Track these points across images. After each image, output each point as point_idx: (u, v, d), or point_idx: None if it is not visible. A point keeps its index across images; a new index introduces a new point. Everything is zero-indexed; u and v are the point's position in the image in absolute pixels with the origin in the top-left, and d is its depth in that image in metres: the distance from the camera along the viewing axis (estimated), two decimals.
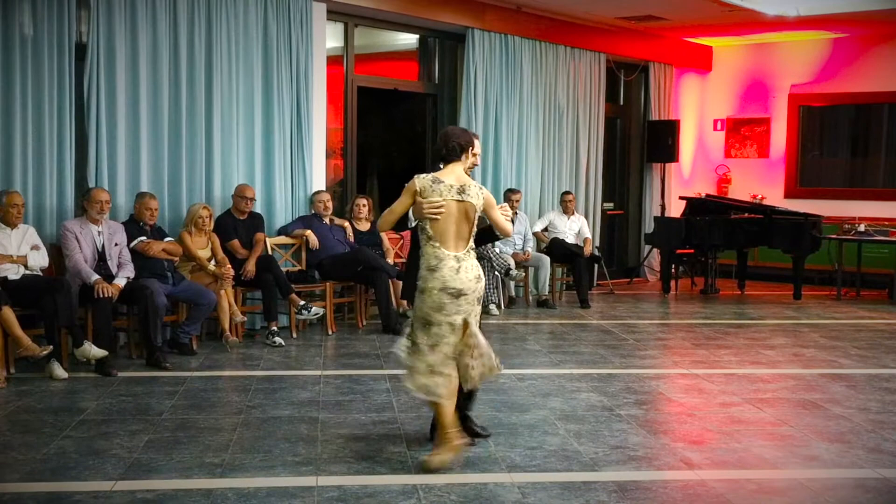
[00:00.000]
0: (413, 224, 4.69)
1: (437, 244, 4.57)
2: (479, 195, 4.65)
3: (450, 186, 4.59)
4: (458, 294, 4.54)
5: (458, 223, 4.60)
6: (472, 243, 4.67)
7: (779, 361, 7.40)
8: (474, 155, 4.80)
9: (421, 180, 4.59)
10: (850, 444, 5.07)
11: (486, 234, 5.00)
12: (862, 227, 11.21)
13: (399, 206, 4.64)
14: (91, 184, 7.19)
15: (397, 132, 11.15)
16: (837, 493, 4.30)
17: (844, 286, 11.33)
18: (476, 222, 4.66)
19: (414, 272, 4.83)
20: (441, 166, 4.75)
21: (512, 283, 10.19)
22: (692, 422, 5.51)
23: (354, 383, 6.34)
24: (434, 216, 4.55)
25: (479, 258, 10.54)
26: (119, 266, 6.90)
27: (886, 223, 11.54)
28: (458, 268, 4.56)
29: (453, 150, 4.70)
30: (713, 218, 11.24)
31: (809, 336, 8.55)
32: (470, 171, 4.81)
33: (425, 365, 4.54)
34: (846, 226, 11.48)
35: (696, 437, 5.18)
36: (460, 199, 4.58)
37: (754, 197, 12.66)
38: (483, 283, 4.68)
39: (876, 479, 4.49)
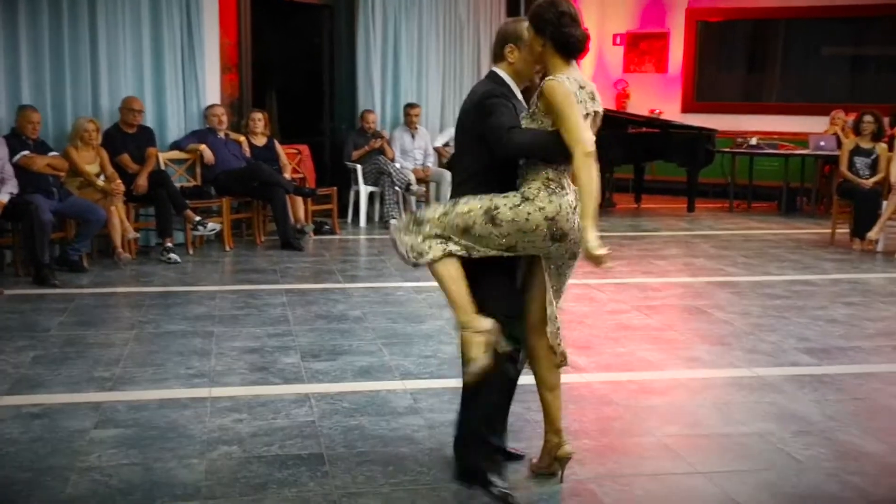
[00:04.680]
0: None
1: None
2: None
3: None
4: None
5: None
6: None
7: (669, 270, 7.64)
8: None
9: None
10: (729, 346, 5.30)
11: None
12: (753, 141, 11.53)
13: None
14: None
15: (293, 46, 10.87)
16: (714, 390, 4.50)
17: (736, 199, 11.71)
18: None
19: None
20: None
21: (413, 198, 10.20)
22: (581, 329, 5.66)
23: (251, 298, 6.30)
24: None
25: (380, 173, 10.25)
26: (1, 182, 6.63)
27: (777, 137, 11.88)
28: None
29: None
30: (611, 132, 11.34)
31: (700, 247, 8.82)
32: None
33: None
34: (739, 140, 11.78)
35: (584, 343, 5.33)
36: None
37: (652, 112, 12.85)
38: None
39: (751, 377, 4.71)
